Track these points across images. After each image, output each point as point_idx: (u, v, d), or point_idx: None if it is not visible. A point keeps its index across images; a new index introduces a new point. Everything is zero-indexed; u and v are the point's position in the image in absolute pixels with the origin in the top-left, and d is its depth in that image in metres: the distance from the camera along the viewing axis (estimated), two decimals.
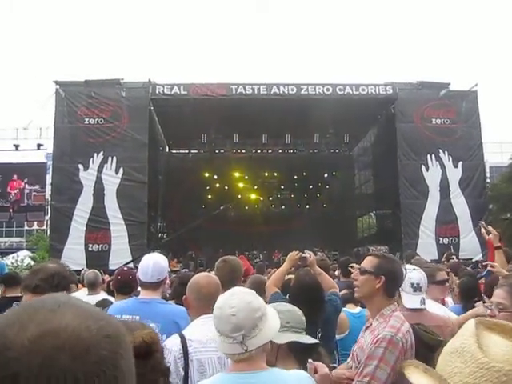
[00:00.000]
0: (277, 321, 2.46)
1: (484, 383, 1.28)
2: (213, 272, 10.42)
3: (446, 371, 1.38)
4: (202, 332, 3.22)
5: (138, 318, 4.05)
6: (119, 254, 18.95)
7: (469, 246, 20.06)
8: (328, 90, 21.52)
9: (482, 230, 12.68)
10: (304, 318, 3.02)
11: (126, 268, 6.55)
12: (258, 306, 2.36)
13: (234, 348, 2.33)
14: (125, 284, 5.13)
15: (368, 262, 3.33)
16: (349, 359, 3.50)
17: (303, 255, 5.28)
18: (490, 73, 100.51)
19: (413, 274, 4.10)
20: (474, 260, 17.54)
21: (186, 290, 3.63)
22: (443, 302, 5.31)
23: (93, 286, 7.01)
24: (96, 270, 7.69)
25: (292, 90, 21.54)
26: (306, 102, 21.28)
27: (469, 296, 5.73)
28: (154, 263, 4.25)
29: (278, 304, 3.18)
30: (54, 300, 0.85)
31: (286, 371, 2.49)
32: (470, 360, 1.33)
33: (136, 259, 14.74)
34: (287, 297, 4.84)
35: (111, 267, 17.20)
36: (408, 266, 4.32)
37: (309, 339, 2.97)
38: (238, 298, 2.35)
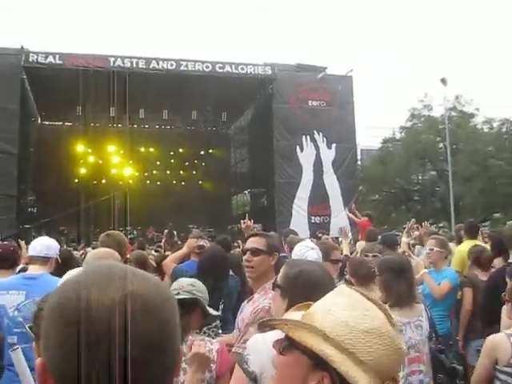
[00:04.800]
0: None
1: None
2: (89, 248, 10.28)
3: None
4: None
5: (24, 293, 3.96)
6: None
7: (340, 225, 20.81)
8: (207, 67, 21.56)
9: (351, 215, 13.46)
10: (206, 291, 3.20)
11: (6, 242, 6.29)
12: None
13: None
14: (5, 257, 4.74)
15: (257, 243, 3.43)
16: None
17: (200, 243, 5.79)
18: (365, 60, 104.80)
19: (309, 253, 4.17)
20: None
21: None
22: None
23: None
24: None
25: (171, 65, 21.36)
26: (185, 79, 21.23)
27: None
28: (43, 239, 4.23)
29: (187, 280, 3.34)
30: (120, 268, 0.93)
31: None
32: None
33: (8, 237, 14.09)
34: None
35: None
36: (305, 244, 4.47)
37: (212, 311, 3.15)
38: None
